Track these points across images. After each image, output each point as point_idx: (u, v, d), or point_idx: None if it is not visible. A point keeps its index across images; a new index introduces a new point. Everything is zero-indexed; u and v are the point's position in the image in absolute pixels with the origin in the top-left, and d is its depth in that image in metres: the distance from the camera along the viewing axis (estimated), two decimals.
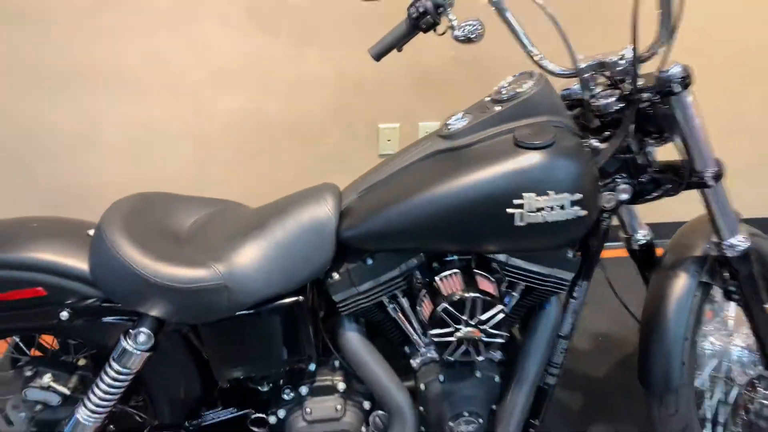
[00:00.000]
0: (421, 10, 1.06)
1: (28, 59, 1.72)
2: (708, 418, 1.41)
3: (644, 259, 1.38)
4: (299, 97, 1.87)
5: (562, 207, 0.97)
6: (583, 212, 0.98)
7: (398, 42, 1.12)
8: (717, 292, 1.35)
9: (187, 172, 1.91)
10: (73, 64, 1.74)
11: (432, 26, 1.08)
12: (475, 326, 1.02)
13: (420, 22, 1.07)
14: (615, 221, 1.33)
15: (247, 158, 1.94)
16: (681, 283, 1.25)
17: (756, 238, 1.35)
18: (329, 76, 1.84)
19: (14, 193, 1.89)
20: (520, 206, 0.97)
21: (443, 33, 1.10)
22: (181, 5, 1.70)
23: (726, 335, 1.39)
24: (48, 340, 1.23)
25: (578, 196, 0.97)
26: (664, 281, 1.27)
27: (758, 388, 1.49)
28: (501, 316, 1.02)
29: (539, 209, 0.97)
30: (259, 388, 1.21)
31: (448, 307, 1.00)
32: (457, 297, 1.00)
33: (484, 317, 1.01)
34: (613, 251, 1.52)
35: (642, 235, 1.37)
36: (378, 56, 1.15)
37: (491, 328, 1.03)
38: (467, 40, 1.06)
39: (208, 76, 1.82)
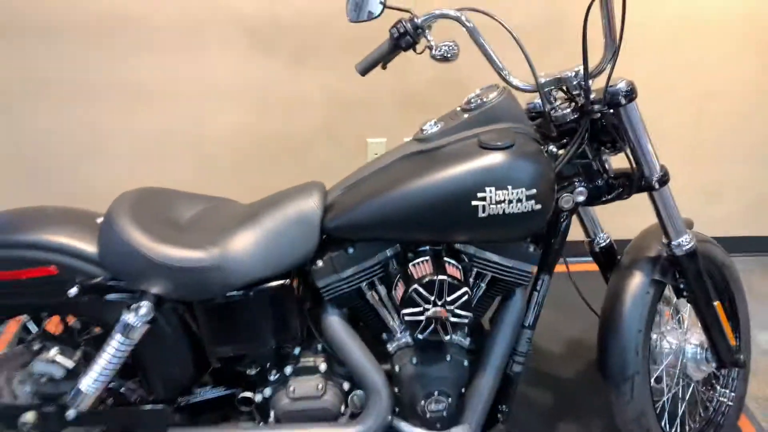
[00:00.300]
0: (401, 30, 1.19)
1: (45, 72, 1.86)
2: (666, 409, 1.52)
3: (605, 260, 1.51)
4: (293, 113, 2.01)
5: (519, 201, 1.10)
6: (538, 206, 1.11)
7: (381, 59, 1.25)
8: (671, 292, 1.47)
9: (187, 178, 2.04)
10: (86, 78, 1.88)
11: (411, 45, 1.21)
12: (442, 306, 1.13)
13: (400, 42, 1.20)
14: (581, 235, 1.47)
15: (243, 168, 2.07)
16: (636, 281, 1.37)
17: (707, 244, 1.48)
18: (321, 94, 1.99)
19: (30, 195, 2.01)
20: (483, 199, 1.09)
21: (421, 52, 1.23)
22: (187, 27, 1.86)
23: (682, 334, 1.51)
24: (52, 326, 1.34)
25: (533, 191, 1.10)
26: (621, 280, 1.39)
27: (716, 386, 1.60)
28: (466, 297, 1.13)
29: (499, 202, 1.09)
30: (247, 371, 1.31)
31: (418, 288, 1.12)
32: (427, 279, 1.12)
33: (450, 298, 1.13)
34: (583, 265, 1.65)
35: (602, 239, 1.50)
36: (363, 71, 1.28)
37: (457, 308, 1.14)
38: (444, 59, 1.19)
39: (210, 91, 1.96)
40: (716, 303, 1.39)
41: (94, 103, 1.92)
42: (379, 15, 1.21)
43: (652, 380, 1.45)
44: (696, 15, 1.95)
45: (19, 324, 1.32)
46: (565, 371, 1.85)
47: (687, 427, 1.58)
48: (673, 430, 1.53)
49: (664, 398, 1.51)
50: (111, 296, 1.17)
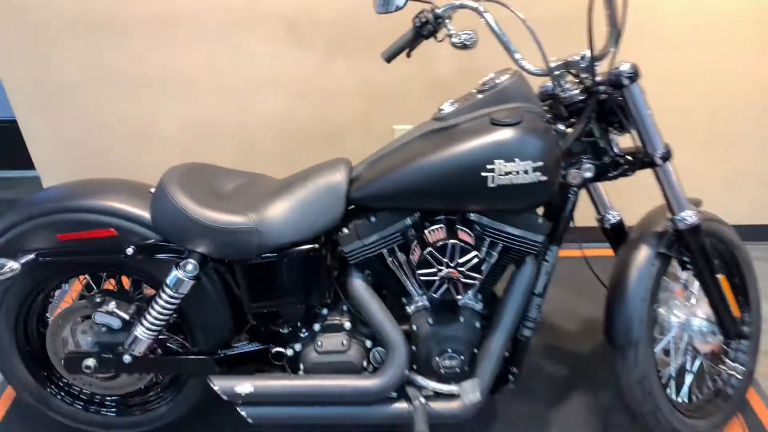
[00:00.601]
0: (423, 20, 1.31)
1: (108, 64, 2.05)
2: (672, 377, 1.59)
3: (615, 236, 1.59)
4: (327, 102, 2.15)
5: (526, 172, 1.20)
6: (544, 177, 1.21)
7: (405, 46, 1.37)
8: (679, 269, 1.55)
9: (230, 160, 2.19)
10: (143, 69, 2.06)
11: (432, 34, 1.33)
12: (454, 268, 1.25)
13: (422, 30, 1.32)
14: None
15: (281, 152, 2.23)
16: (642, 254, 1.46)
17: (716, 224, 1.55)
18: (353, 84, 2.12)
19: (93, 171, 2.21)
20: (492, 171, 1.21)
21: (442, 40, 1.35)
22: (232, 23, 2.01)
23: (689, 308, 1.58)
24: (109, 286, 1.51)
25: (540, 164, 1.20)
26: (628, 253, 1.48)
27: (726, 360, 1.67)
28: (476, 261, 1.25)
29: (507, 173, 1.20)
30: (280, 329, 1.46)
31: (433, 251, 1.24)
32: (440, 243, 1.24)
33: (461, 261, 1.25)
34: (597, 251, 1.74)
35: (613, 216, 1.58)
36: (389, 59, 1.40)
37: (468, 270, 1.26)
38: (464, 47, 1.30)
39: (252, 81, 2.12)
40: (720, 276, 1.46)
41: (149, 91, 2.10)
42: (403, 6, 1.32)
43: (659, 350, 1.54)
44: (714, 10, 2.00)
45: (82, 283, 1.50)
46: (577, 346, 1.93)
47: (694, 398, 1.65)
48: (680, 398, 1.61)
49: (671, 367, 1.58)
50: (161, 256, 1.33)
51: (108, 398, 1.57)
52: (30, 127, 2.15)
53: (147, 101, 2.12)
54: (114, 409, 1.56)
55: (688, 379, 1.65)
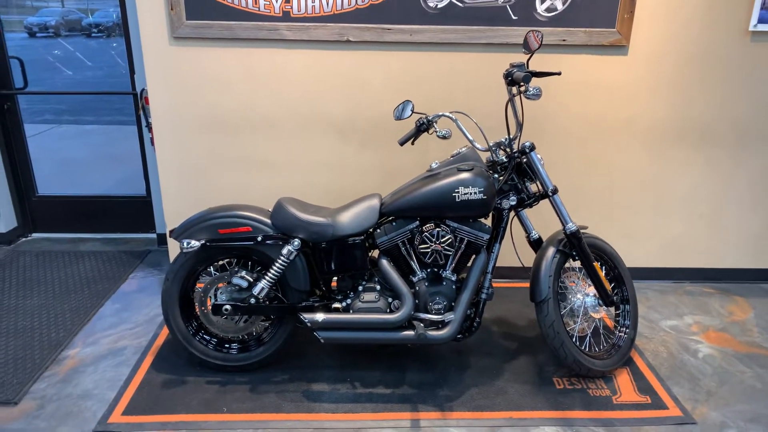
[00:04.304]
0: (421, 122, 2.48)
1: (228, 151, 3.21)
2: (575, 335, 2.57)
3: (536, 245, 2.64)
4: (359, 176, 3.28)
5: (475, 194, 2.30)
6: (485, 197, 2.30)
7: (410, 137, 2.53)
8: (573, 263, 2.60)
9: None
10: (247, 154, 3.23)
11: (426, 130, 2.49)
12: (438, 244, 2.31)
13: (421, 128, 2.49)
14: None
15: (330, 204, 3.34)
16: (549, 251, 2.51)
17: (596, 240, 2.62)
18: (376, 165, 3.27)
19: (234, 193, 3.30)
20: (458, 192, 2.30)
21: (431, 133, 2.52)
22: (301, 124, 3.21)
23: (584, 289, 2.60)
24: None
25: (482, 190, 2.29)
26: (542, 251, 2.52)
27: (617, 326, 2.65)
28: (450, 240, 2.31)
29: (465, 194, 2.30)
30: (338, 290, 2.47)
31: (427, 234, 2.31)
32: (431, 231, 2.31)
33: (442, 240, 2.31)
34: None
35: (534, 234, 2.65)
36: (401, 143, 2.56)
37: (446, 246, 2.31)
38: (444, 138, 2.47)
39: (312, 163, 3.28)
40: (596, 264, 2.50)
41: (247, 170, 3.24)
42: (409, 117, 2.50)
43: (564, 315, 2.54)
44: (601, 118, 3.21)
45: (219, 265, 2.54)
46: (518, 329, 2.91)
47: (594, 350, 2.61)
48: (584, 346, 2.58)
49: (575, 327, 2.57)
50: (277, 241, 2.38)
51: (229, 340, 2.54)
52: (168, 192, 3.28)
53: (245, 176, 3.27)
54: (234, 347, 2.52)
55: (587, 336, 2.62)
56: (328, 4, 2.90)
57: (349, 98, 3.12)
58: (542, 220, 3.14)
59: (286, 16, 2.92)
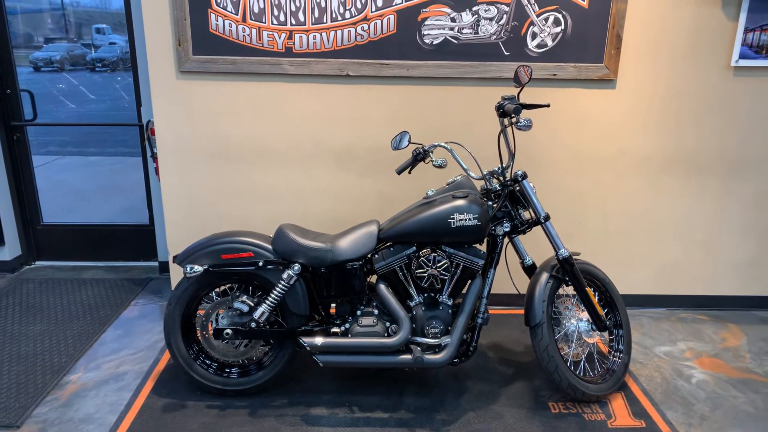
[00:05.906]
0: (417, 152, 2.58)
1: (225, 181, 3.31)
2: (570, 361, 2.61)
3: (530, 270, 2.71)
4: (357, 204, 3.37)
5: (469, 220, 2.38)
6: (479, 224, 2.38)
7: (408, 166, 2.63)
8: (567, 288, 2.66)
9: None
10: (251, 183, 3.32)
11: (422, 159, 2.59)
12: (435, 269, 2.37)
13: (417, 157, 2.59)
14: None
15: (329, 231, 3.41)
16: (543, 276, 2.58)
17: (589, 266, 2.69)
18: (373, 194, 3.37)
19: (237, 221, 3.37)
20: (453, 218, 2.38)
21: (428, 162, 2.62)
22: (303, 155, 3.32)
23: (578, 314, 2.66)
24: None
25: (477, 216, 2.38)
26: (536, 277, 2.59)
27: (611, 351, 2.70)
28: (446, 265, 2.38)
29: (460, 220, 2.38)
30: (337, 315, 2.53)
31: (424, 259, 2.38)
32: (428, 256, 2.38)
33: (438, 265, 2.38)
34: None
35: (528, 260, 2.72)
36: (399, 172, 2.65)
37: (442, 270, 2.38)
38: (440, 167, 2.57)
39: (311, 190, 3.37)
40: (588, 289, 2.57)
41: (250, 198, 3.33)
42: (407, 147, 2.61)
43: (558, 339, 2.58)
44: (593, 150, 3.32)
45: (221, 291, 2.59)
46: (514, 354, 2.95)
47: (588, 374, 2.65)
48: (578, 371, 2.62)
49: (570, 351, 2.62)
50: (278, 266, 2.45)
51: (229, 364, 2.58)
52: (171, 220, 3.36)
53: (248, 204, 3.35)
54: (235, 372, 2.56)
55: (582, 360, 2.67)
56: (328, 40, 3.04)
57: (348, 129, 3.23)
58: (538, 248, 3.22)
59: (288, 52, 3.05)
